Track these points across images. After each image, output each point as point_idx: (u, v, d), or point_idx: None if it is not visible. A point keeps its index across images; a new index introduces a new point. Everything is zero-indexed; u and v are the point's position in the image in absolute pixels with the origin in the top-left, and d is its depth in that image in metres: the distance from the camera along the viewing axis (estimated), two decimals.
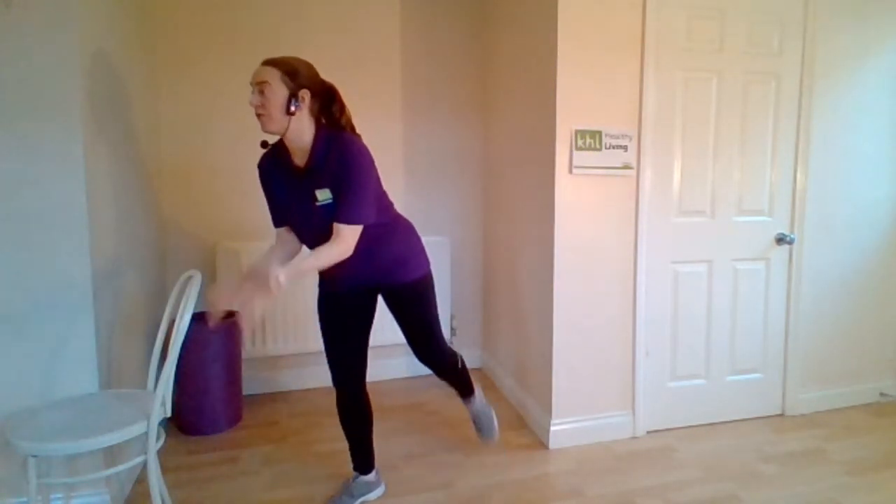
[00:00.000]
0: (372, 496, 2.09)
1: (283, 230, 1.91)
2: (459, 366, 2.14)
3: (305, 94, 1.67)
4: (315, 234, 1.78)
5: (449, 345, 2.10)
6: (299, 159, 1.75)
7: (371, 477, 2.09)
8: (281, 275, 1.55)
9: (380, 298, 2.04)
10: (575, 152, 2.37)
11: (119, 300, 2.16)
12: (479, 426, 2.33)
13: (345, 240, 1.69)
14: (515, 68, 2.80)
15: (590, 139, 2.39)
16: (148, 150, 2.62)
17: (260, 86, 1.63)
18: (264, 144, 1.81)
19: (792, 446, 2.51)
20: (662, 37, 2.44)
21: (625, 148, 2.43)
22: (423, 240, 2.04)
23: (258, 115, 1.65)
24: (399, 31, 3.13)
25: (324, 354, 3.13)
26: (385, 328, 2.91)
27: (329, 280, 1.92)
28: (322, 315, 1.95)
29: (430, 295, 1.98)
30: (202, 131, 2.90)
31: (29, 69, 1.78)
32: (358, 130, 1.86)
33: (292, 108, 1.64)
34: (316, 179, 1.72)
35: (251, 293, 1.53)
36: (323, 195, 1.71)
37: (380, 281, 1.91)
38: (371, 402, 2.05)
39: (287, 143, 1.73)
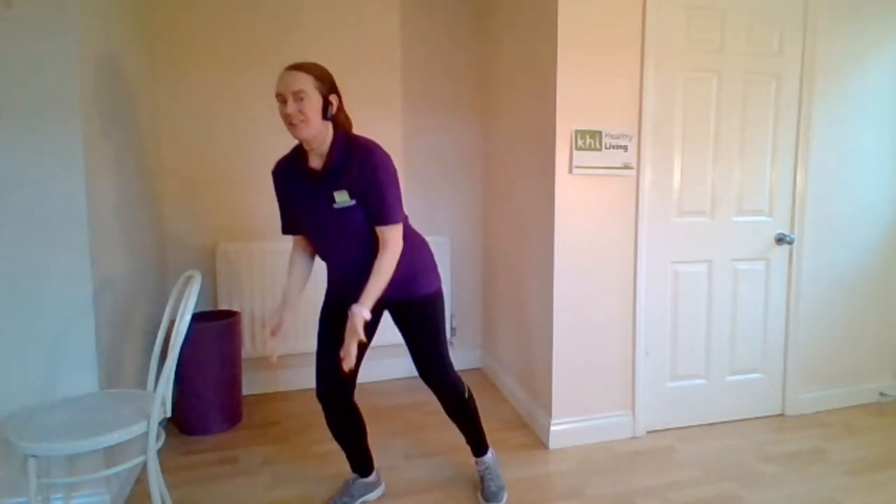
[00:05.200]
0: (372, 496, 2.09)
1: (298, 239, 1.91)
2: (466, 396, 2.03)
3: (335, 100, 1.69)
4: (332, 237, 1.77)
5: (455, 370, 2.01)
6: (316, 162, 1.75)
7: (371, 478, 2.09)
8: (365, 313, 1.65)
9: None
10: (575, 152, 2.37)
11: (119, 300, 2.16)
12: (486, 488, 2.08)
13: (394, 240, 1.73)
14: (515, 68, 2.80)
15: (590, 139, 2.39)
16: (148, 150, 2.62)
17: (297, 94, 1.61)
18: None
19: (792, 446, 2.51)
20: (662, 37, 2.44)
21: (625, 148, 2.43)
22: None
23: (293, 124, 1.64)
24: (399, 32, 3.13)
25: None
26: (385, 328, 2.89)
27: (339, 287, 1.87)
28: (323, 323, 1.91)
29: (440, 312, 1.94)
30: (202, 131, 2.90)
31: (29, 69, 1.78)
32: (359, 131, 1.87)
33: (329, 115, 1.67)
34: (333, 181, 1.71)
35: (350, 343, 1.65)
36: (341, 197, 1.70)
37: (391, 294, 1.85)
38: (361, 410, 2.01)
39: (309, 147, 1.72)
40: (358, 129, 2.00)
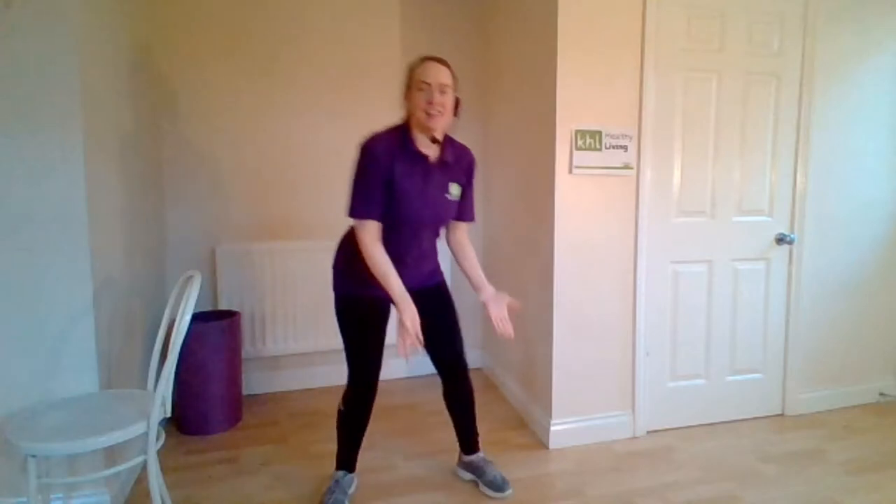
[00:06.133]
0: (352, 489, 2.14)
1: (375, 227, 1.79)
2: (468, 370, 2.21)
3: (459, 100, 1.85)
4: (428, 225, 1.91)
5: None
6: (429, 151, 1.84)
7: (354, 473, 2.14)
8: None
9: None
10: (575, 152, 2.37)
11: (119, 300, 2.16)
12: (494, 478, 2.12)
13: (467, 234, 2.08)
14: (516, 68, 2.80)
15: (590, 139, 2.38)
16: (148, 151, 2.62)
17: (443, 87, 1.76)
18: (434, 140, 1.84)
19: (792, 446, 2.51)
20: (662, 37, 2.44)
21: (625, 148, 2.43)
22: None
23: (434, 114, 1.74)
24: (399, 32, 3.13)
25: (324, 355, 3.14)
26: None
27: (378, 283, 1.81)
28: (358, 319, 1.94)
29: None
30: (203, 131, 2.90)
31: (28, 69, 1.78)
32: (361, 130, 1.91)
33: (458, 113, 1.84)
34: (449, 174, 1.89)
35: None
36: (455, 190, 1.92)
37: (426, 282, 2.01)
38: None
39: (438, 137, 1.83)
40: (360, 129, 2.01)
